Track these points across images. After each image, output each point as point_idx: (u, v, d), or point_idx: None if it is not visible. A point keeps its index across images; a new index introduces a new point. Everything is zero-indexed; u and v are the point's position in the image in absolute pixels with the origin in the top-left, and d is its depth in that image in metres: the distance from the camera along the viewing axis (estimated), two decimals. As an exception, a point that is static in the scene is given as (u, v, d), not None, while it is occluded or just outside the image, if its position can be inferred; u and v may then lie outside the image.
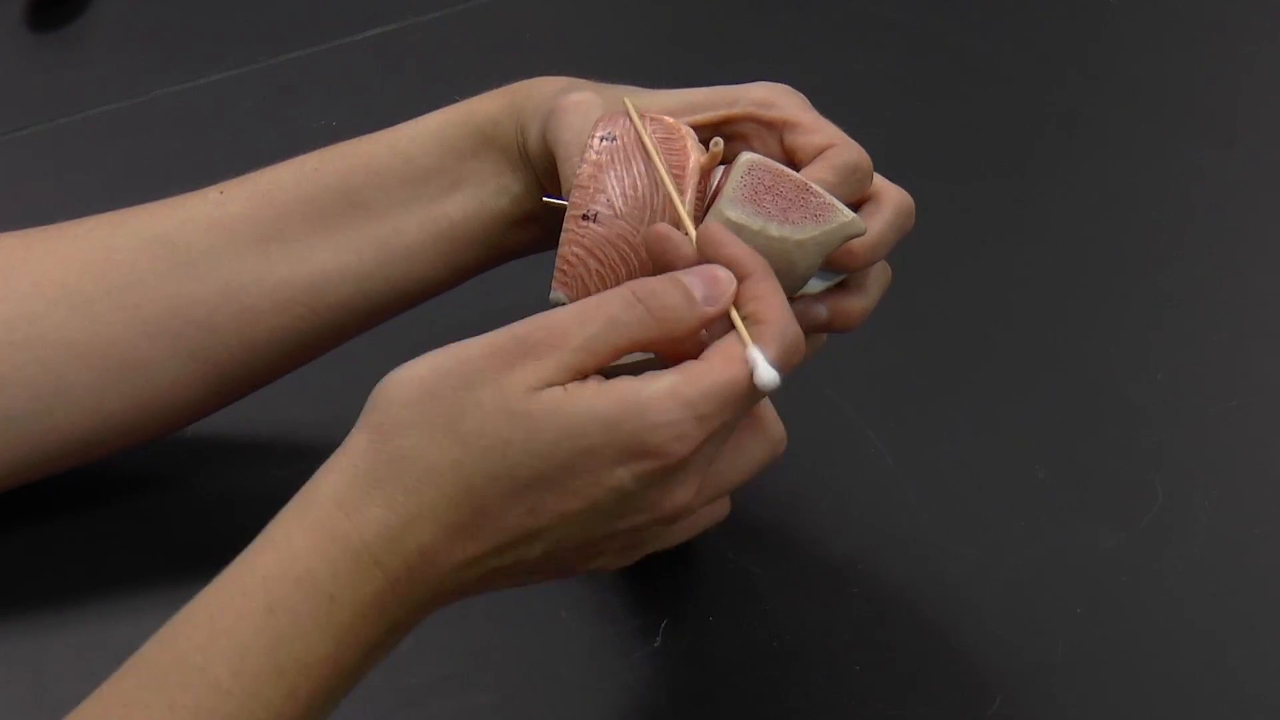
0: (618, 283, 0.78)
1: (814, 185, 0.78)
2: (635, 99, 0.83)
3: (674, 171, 0.79)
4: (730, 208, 0.78)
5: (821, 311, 0.81)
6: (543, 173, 0.86)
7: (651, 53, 1.25)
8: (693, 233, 0.76)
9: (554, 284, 0.79)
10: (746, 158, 0.78)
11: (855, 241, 0.79)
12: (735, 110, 0.84)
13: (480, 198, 0.88)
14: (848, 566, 0.91)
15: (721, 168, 0.82)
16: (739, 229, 0.78)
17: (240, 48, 1.24)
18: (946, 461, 0.96)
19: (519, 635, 0.89)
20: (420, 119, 0.89)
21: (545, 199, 0.84)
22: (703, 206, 0.80)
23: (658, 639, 0.88)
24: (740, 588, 0.90)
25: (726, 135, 0.84)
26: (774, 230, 0.78)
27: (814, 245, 0.78)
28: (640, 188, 0.78)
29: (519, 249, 0.90)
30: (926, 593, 0.90)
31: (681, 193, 0.78)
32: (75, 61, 1.26)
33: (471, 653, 0.88)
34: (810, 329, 0.82)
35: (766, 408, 0.75)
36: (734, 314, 0.72)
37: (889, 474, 0.95)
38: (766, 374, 0.70)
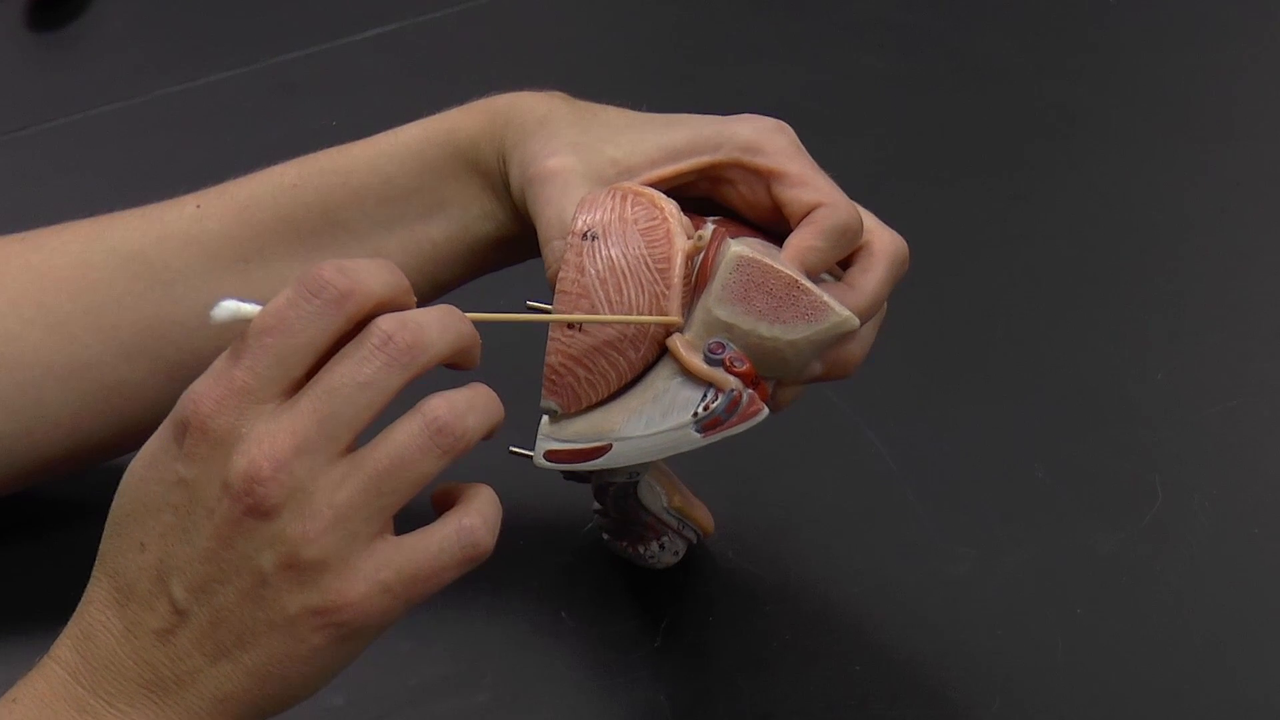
0: (609, 389, 0.79)
1: (804, 282, 0.78)
2: (616, 149, 0.82)
3: (658, 265, 0.78)
4: (719, 307, 0.78)
5: (817, 367, 0.81)
6: (523, 210, 0.85)
7: (651, 53, 1.25)
8: (680, 322, 0.77)
9: (544, 393, 0.79)
10: (734, 253, 0.78)
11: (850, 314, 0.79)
12: (720, 156, 0.82)
13: (464, 221, 0.87)
14: (848, 566, 0.91)
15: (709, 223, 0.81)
16: (729, 329, 0.78)
17: (240, 48, 1.24)
18: (946, 461, 0.96)
19: (519, 635, 0.89)
20: (399, 132, 0.88)
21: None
22: (689, 290, 0.79)
23: (658, 639, 0.88)
24: (740, 588, 0.90)
25: (711, 180, 0.83)
26: (765, 330, 0.78)
27: (806, 344, 0.78)
28: (625, 291, 0.78)
29: (502, 265, 0.89)
30: (926, 593, 0.90)
31: (667, 287, 0.78)
32: (75, 61, 1.26)
33: (471, 653, 0.88)
34: (808, 381, 0.81)
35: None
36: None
37: (889, 474, 0.95)
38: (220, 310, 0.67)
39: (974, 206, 1.12)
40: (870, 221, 0.82)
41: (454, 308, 0.69)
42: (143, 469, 0.68)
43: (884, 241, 0.82)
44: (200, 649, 0.67)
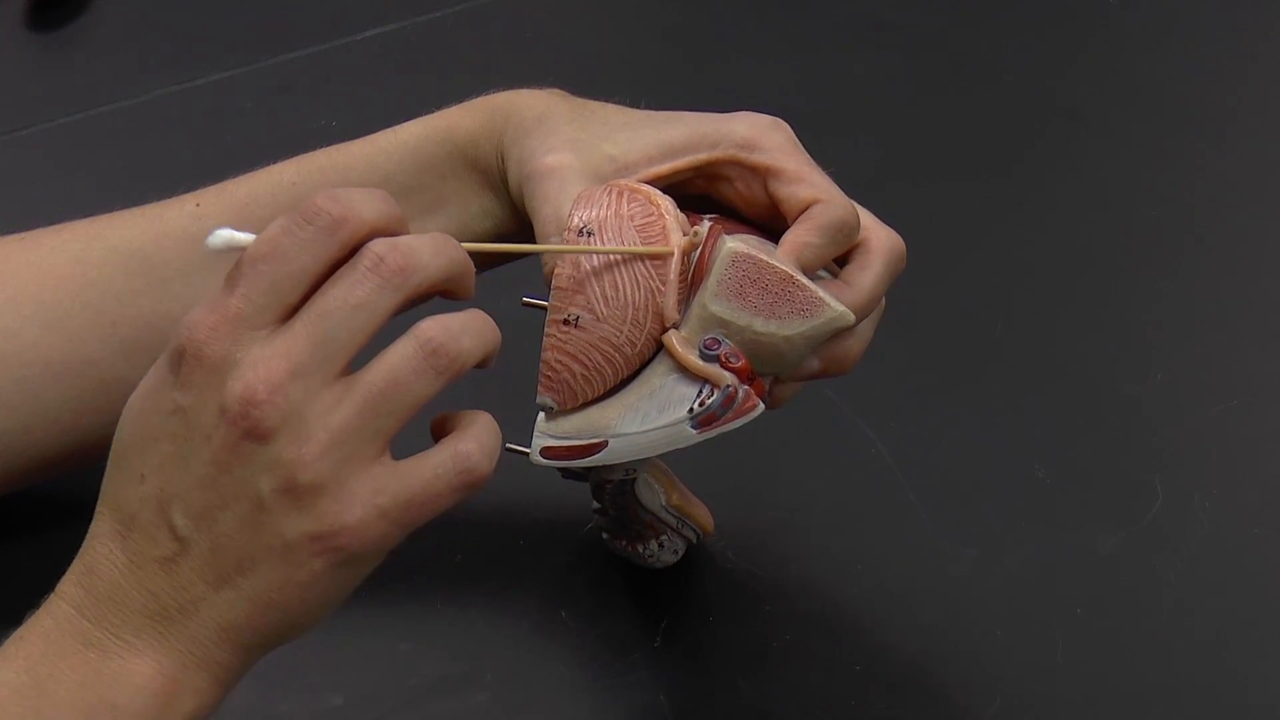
0: (605, 385, 0.79)
1: (800, 277, 0.78)
2: (613, 146, 0.82)
3: (654, 262, 0.78)
4: (714, 302, 0.78)
5: (814, 363, 0.81)
6: (521, 207, 0.85)
7: (651, 53, 1.25)
8: (677, 319, 0.77)
9: (540, 388, 0.79)
10: (730, 249, 0.78)
11: (848, 304, 0.79)
12: (717, 154, 0.82)
13: (462, 219, 0.88)
14: (848, 566, 0.91)
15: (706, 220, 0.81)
16: (724, 324, 0.78)
17: (240, 48, 1.24)
18: (946, 461, 0.96)
19: (519, 635, 0.89)
20: (398, 130, 0.88)
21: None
22: (685, 286, 0.79)
23: (658, 639, 0.88)
24: (740, 588, 0.90)
25: (709, 177, 0.83)
26: (760, 326, 0.78)
27: (801, 340, 0.78)
28: (621, 287, 0.78)
29: (501, 263, 0.89)
30: (926, 593, 0.90)
31: (663, 283, 0.78)
32: (75, 61, 1.26)
33: (471, 653, 0.88)
34: (805, 378, 0.81)
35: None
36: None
37: (889, 474, 0.95)
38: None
39: (974, 206, 1.12)
40: (867, 219, 0.82)
41: (447, 235, 0.70)
42: (140, 402, 0.69)
43: (881, 239, 0.82)
44: (202, 577, 0.67)
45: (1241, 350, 1.03)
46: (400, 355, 0.67)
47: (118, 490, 0.68)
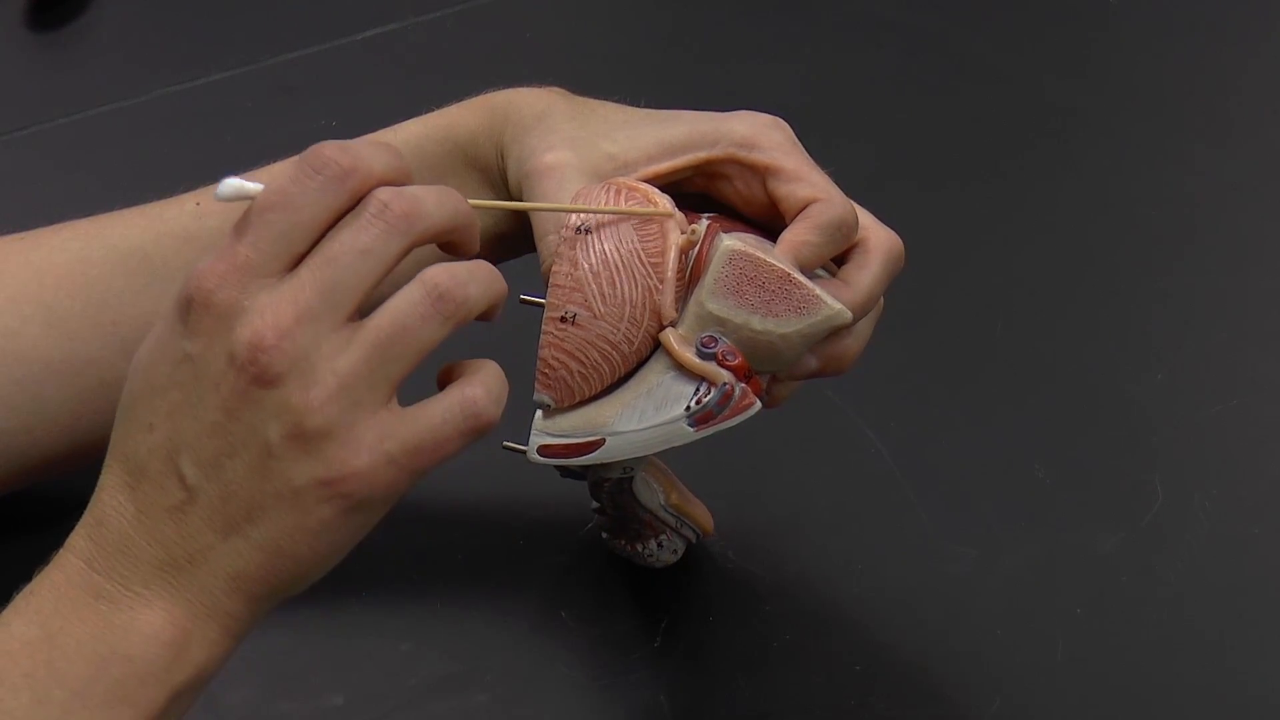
0: (602, 383, 0.79)
1: (797, 275, 0.78)
2: (612, 144, 0.82)
3: (652, 259, 0.78)
4: (712, 300, 0.78)
5: (812, 362, 0.81)
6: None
7: (651, 53, 1.25)
8: (674, 317, 0.77)
9: (537, 386, 0.79)
10: (727, 246, 0.78)
11: (845, 303, 0.79)
12: (716, 152, 0.82)
13: None
14: (848, 566, 0.91)
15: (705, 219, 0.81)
16: (721, 322, 0.78)
17: (240, 48, 1.24)
18: (946, 461, 0.96)
19: (519, 635, 0.89)
20: (398, 128, 0.88)
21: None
22: (683, 284, 0.79)
23: (658, 639, 0.88)
24: (740, 588, 0.90)
25: (708, 175, 0.83)
26: (757, 324, 0.78)
27: (798, 338, 0.78)
28: (618, 285, 0.78)
29: (500, 261, 0.89)
30: (926, 593, 0.90)
31: (661, 282, 0.78)
32: (75, 61, 1.26)
33: (471, 653, 0.88)
34: (803, 377, 0.81)
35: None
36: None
37: (889, 474, 0.95)
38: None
39: (973, 206, 1.12)
40: (866, 218, 0.82)
41: (452, 189, 0.70)
42: (148, 353, 0.69)
43: (879, 238, 0.82)
44: (211, 525, 0.67)
45: (1241, 350, 1.03)
46: (407, 301, 0.68)
47: (126, 441, 0.69)
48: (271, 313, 0.66)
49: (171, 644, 0.67)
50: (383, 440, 0.67)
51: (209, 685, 0.69)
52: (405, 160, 0.70)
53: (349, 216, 0.68)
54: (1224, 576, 0.91)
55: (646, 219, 0.79)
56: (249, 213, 0.68)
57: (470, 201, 0.71)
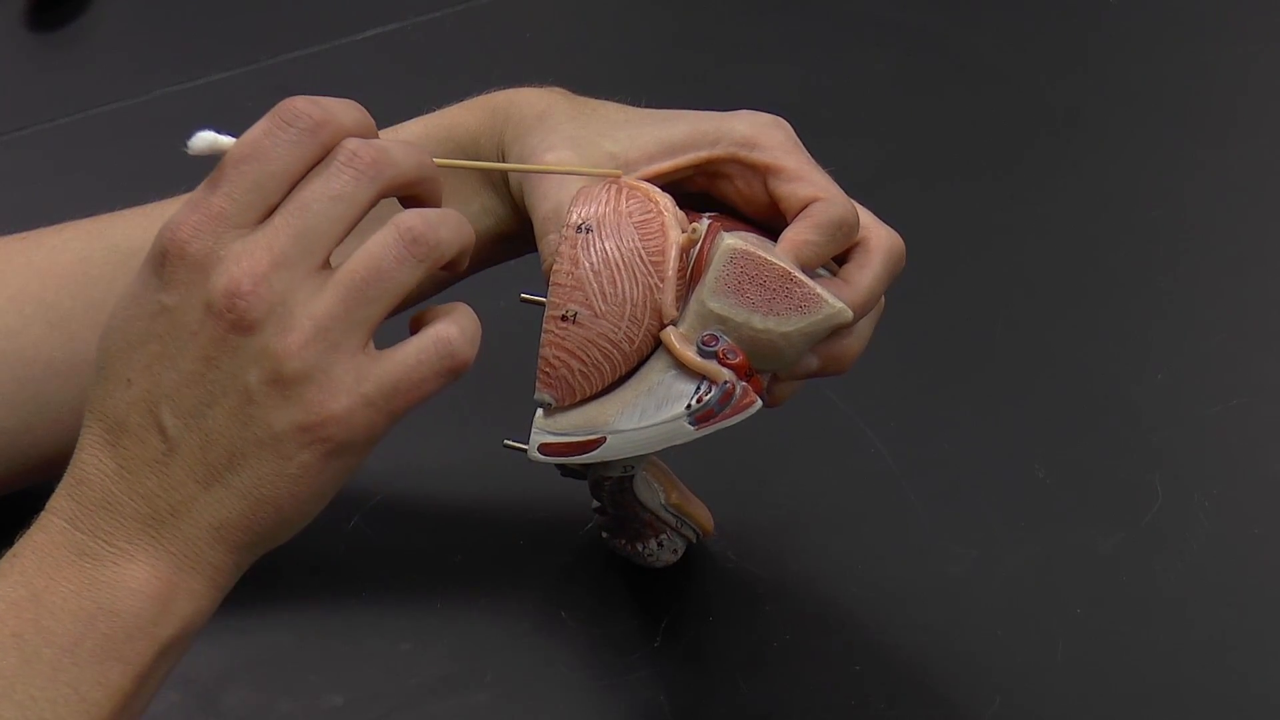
0: (603, 382, 0.79)
1: (798, 274, 0.78)
2: (613, 143, 0.82)
3: (653, 258, 0.78)
4: (713, 299, 0.78)
5: (813, 361, 0.81)
6: (521, 205, 0.85)
7: (652, 53, 1.25)
8: (675, 316, 0.78)
9: (538, 385, 0.79)
10: (728, 245, 0.78)
11: (846, 300, 0.79)
12: (717, 151, 0.83)
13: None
14: (848, 566, 0.91)
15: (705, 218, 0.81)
16: (722, 321, 0.78)
17: (240, 48, 1.24)
18: (946, 461, 0.96)
19: (519, 635, 0.89)
20: (398, 129, 0.88)
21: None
22: (684, 283, 0.79)
23: (658, 639, 0.88)
24: (740, 588, 0.90)
25: (709, 175, 0.83)
26: (758, 323, 0.78)
27: (800, 336, 0.78)
28: (619, 283, 0.78)
29: (501, 260, 0.89)
30: (926, 593, 0.90)
31: (661, 280, 0.78)
32: (75, 61, 1.26)
33: (471, 653, 0.88)
34: (803, 376, 0.81)
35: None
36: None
37: (889, 474, 0.95)
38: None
39: (974, 206, 1.12)
40: (866, 218, 0.82)
41: (415, 144, 0.72)
42: (123, 308, 0.69)
43: (880, 238, 0.82)
44: (192, 476, 0.68)
45: (1241, 350, 1.03)
46: (381, 244, 0.69)
47: (105, 398, 0.69)
48: (247, 260, 0.67)
49: (157, 598, 0.68)
50: (360, 383, 0.68)
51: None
52: (371, 119, 0.71)
53: (320, 165, 0.69)
54: (1224, 576, 0.91)
55: (646, 218, 0.79)
56: (223, 165, 0.69)
57: (436, 161, 0.72)
